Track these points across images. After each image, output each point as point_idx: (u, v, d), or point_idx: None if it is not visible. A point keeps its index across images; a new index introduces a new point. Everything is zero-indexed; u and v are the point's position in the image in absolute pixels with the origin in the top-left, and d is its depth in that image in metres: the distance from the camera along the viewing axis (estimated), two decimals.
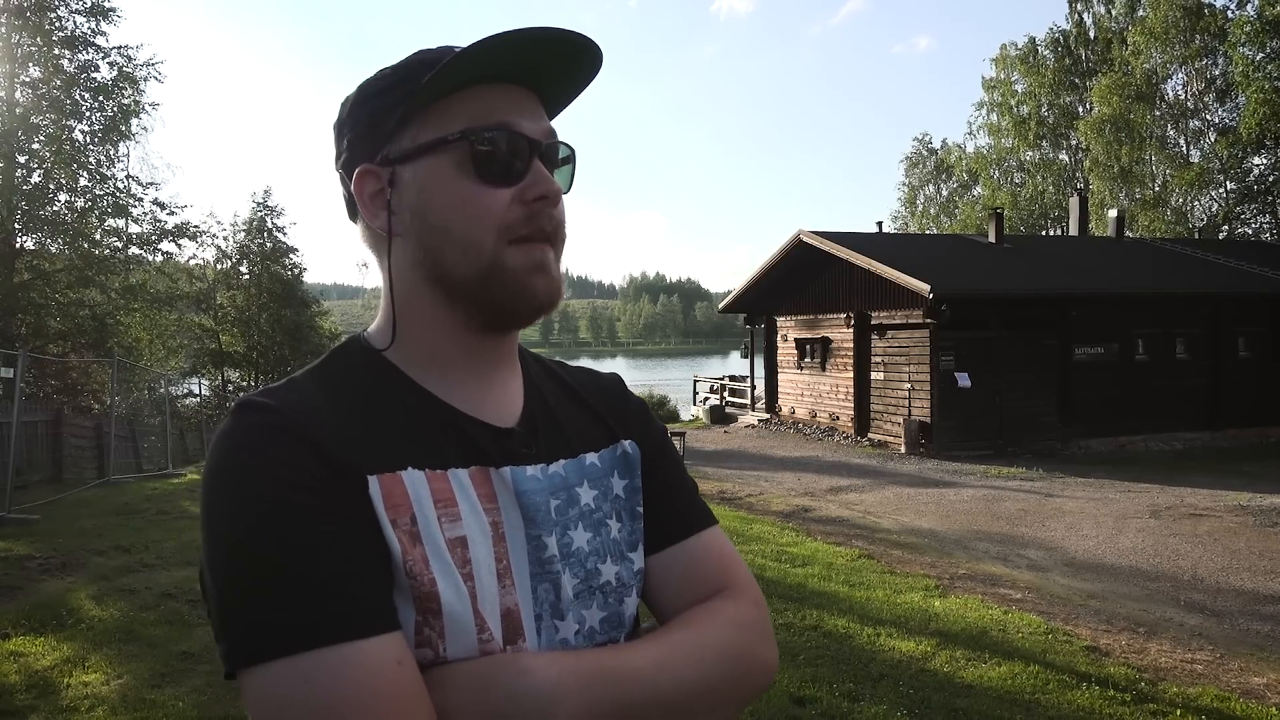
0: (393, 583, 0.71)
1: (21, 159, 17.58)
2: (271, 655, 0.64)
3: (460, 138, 0.78)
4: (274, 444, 0.71)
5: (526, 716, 0.68)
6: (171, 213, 19.88)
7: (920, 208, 44.44)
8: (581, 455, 0.87)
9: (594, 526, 0.85)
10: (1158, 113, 30.19)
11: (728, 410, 23.82)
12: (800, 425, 19.66)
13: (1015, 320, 16.02)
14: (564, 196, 0.84)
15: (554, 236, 0.81)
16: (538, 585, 0.78)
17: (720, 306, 23.91)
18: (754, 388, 23.26)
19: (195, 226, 20.98)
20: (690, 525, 0.92)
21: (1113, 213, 23.08)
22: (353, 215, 0.85)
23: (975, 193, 40.16)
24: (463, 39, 0.85)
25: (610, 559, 0.85)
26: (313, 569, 0.66)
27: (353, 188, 0.83)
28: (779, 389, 20.89)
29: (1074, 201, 23.87)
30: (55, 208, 18.32)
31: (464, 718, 0.68)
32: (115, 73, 18.62)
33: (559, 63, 0.80)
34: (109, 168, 18.92)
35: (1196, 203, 30.35)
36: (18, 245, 17.67)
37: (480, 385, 0.84)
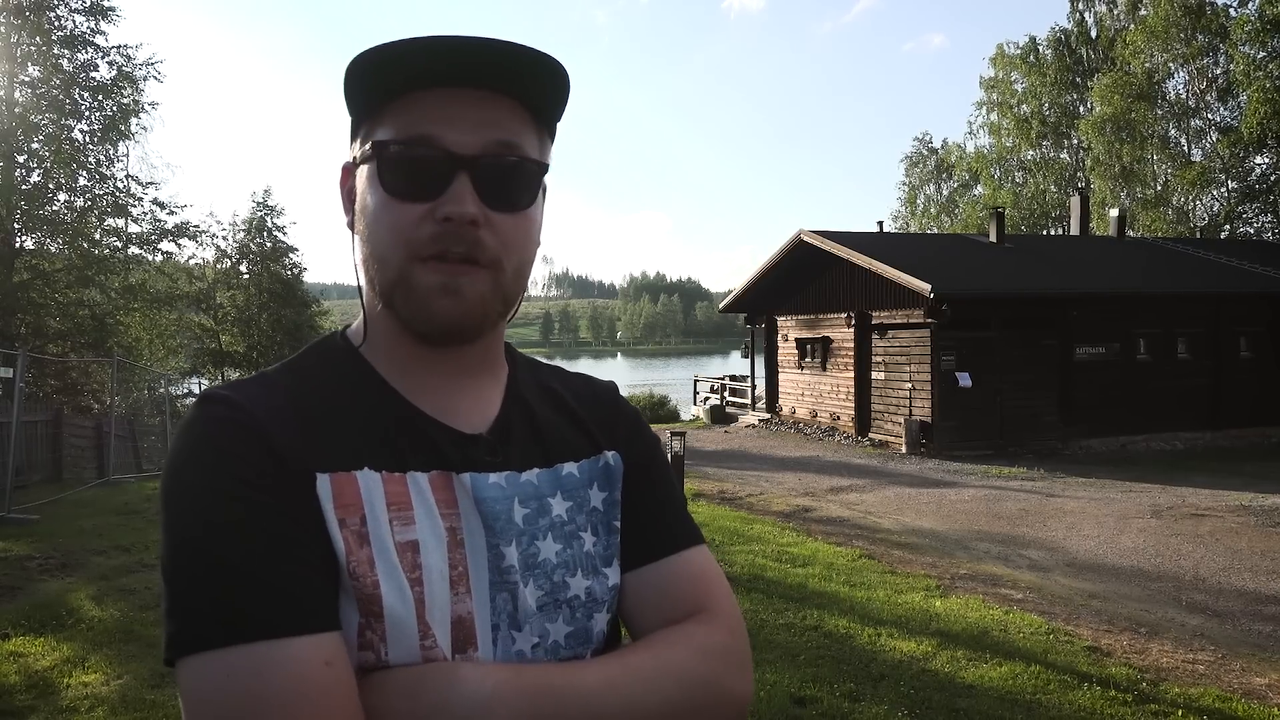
0: (338, 583, 0.70)
1: (21, 158, 17.56)
2: (201, 647, 0.65)
3: (373, 149, 0.77)
4: (227, 438, 0.71)
5: None
6: (171, 212, 19.88)
7: (921, 207, 44.39)
8: (558, 465, 0.85)
9: (565, 538, 0.82)
10: (1159, 112, 30.15)
11: (728, 410, 23.81)
12: (801, 425, 19.65)
13: (1016, 320, 16.01)
14: (525, 212, 0.79)
15: (476, 259, 0.75)
16: (496, 594, 0.76)
17: (721, 306, 23.90)
18: (754, 388, 23.25)
19: (195, 226, 20.95)
20: (673, 542, 0.88)
21: (1114, 212, 23.08)
22: None
23: (976, 192, 40.10)
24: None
25: (581, 572, 0.82)
26: (249, 564, 0.66)
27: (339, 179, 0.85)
28: (779, 389, 20.88)
29: (1075, 201, 23.86)
30: (55, 207, 18.30)
31: None
32: (114, 72, 18.59)
33: (518, 69, 0.76)
34: (108, 167, 18.90)
35: (1198, 202, 30.32)
36: (17, 245, 17.66)
37: (450, 389, 0.82)
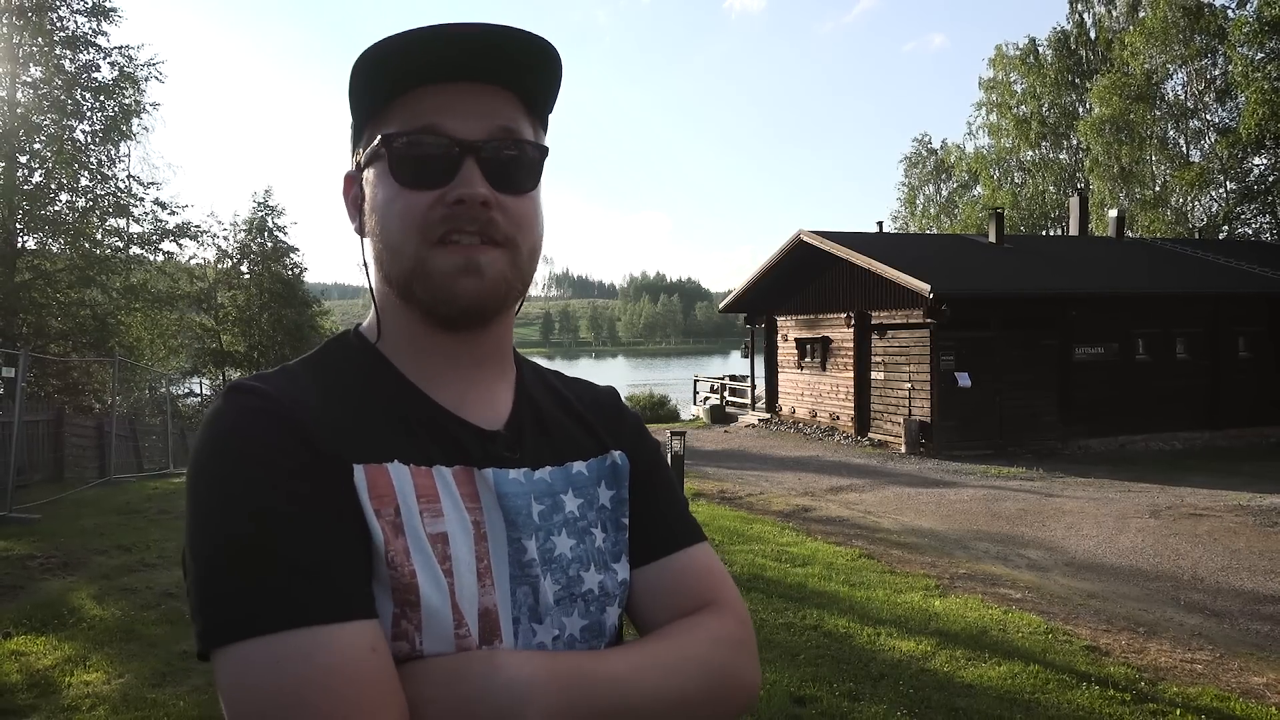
0: (372, 572, 0.71)
1: (23, 159, 17.61)
2: (244, 635, 0.64)
3: (381, 144, 0.79)
4: (261, 427, 0.72)
5: (497, 712, 0.67)
6: (172, 212, 19.95)
7: (920, 208, 44.42)
8: (568, 463, 0.87)
9: (578, 534, 0.84)
10: (1158, 113, 30.17)
11: (728, 410, 23.82)
12: (800, 425, 19.66)
13: (1015, 320, 16.02)
14: (530, 195, 0.82)
15: (492, 238, 0.78)
16: (516, 588, 0.78)
17: (720, 306, 23.91)
18: (754, 387, 23.26)
19: (196, 226, 21.03)
20: (678, 540, 0.91)
21: (1113, 213, 23.09)
22: None
23: (975, 193, 40.13)
24: None
25: (594, 567, 0.84)
26: (290, 552, 0.67)
27: (342, 191, 0.87)
28: (779, 389, 20.89)
29: (1074, 201, 23.88)
30: (56, 207, 18.35)
31: (436, 710, 0.68)
32: (116, 73, 18.66)
33: (512, 63, 0.79)
34: (110, 167, 18.95)
35: (1196, 203, 30.34)
36: (19, 245, 17.69)
37: (465, 384, 0.84)
